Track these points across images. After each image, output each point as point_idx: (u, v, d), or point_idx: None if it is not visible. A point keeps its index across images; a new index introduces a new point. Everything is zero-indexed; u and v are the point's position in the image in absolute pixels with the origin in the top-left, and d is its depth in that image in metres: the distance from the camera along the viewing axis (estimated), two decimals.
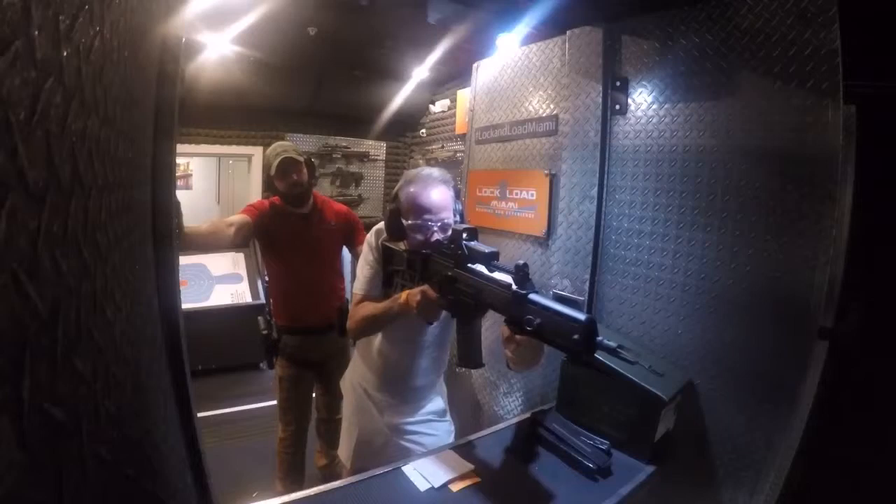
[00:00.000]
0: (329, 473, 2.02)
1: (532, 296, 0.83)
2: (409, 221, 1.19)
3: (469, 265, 1.01)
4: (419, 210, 1.18)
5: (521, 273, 0.85)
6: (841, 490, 1.22)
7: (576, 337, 0.73)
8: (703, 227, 1.32)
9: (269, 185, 1.93)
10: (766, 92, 1.18)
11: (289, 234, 1.90)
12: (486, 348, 1.11)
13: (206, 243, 1.79)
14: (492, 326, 1.12)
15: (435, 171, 1.25)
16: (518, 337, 0.87)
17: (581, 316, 0.74)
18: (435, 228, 1.17)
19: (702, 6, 1.30)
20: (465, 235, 1.04)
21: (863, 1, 1.09)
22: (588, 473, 1.12)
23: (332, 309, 1.99)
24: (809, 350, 1.11)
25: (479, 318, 1.05)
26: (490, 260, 0.99)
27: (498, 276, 0.94)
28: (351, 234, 2.05)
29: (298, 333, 1.96)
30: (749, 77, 1.21)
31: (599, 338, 0.74)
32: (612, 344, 0.74)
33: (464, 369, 2.11)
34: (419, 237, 1.18)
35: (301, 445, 2.03)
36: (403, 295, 1.15)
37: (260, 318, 2.10)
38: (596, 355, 1.24)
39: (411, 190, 1.20)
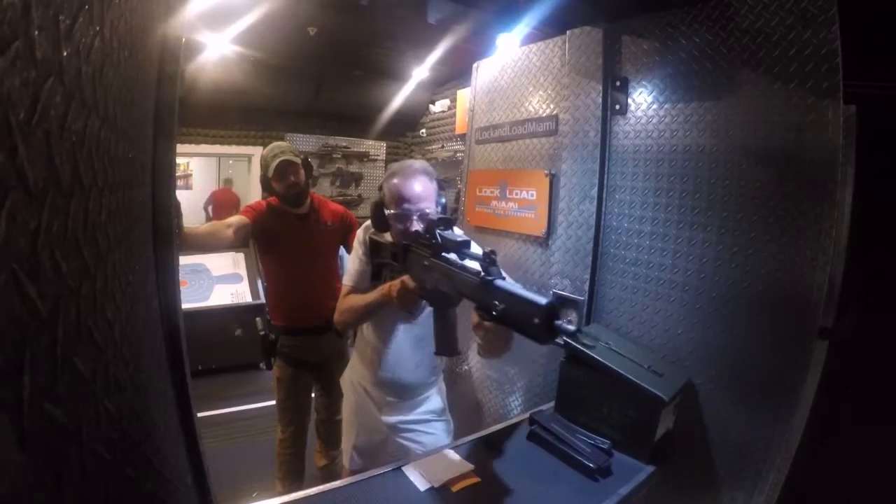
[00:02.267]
0: (329, 473, 2.02)
1: (497, 282, 0.85)
2: (391, 211, 1.22)
3: (443, 254, 1.03)
4: (400, 200, 1.21)
5: (488, 259, 0.87)
6: (841, 490, 1.22)
7: (536, 321, 0.74)
8: (703, 227, 1.32)
9: (266, 186, 1.93)
10: (766, 92, 1.18)
11: (286, 235, 1.90)
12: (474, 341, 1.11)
13: (206, 244, 1.79)
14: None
15: (417, 163, 1.29)
16: (486, 323, 0.88)
17: (542, 300, 0.75)
18: (414, 218, 1.20)
19: (702, 6, 1.30)
20: (441, 226, 1.06)
21: (863, 1, 1.09)
22: (588, 473, 1.12)
23: (330, 309, 1.99)
24: (809, 350, 1.11)
25: (454, 307, 1.07)
26: (461, 248, 1.00)
27: (468, 263, 0.97)
28: (348, 235, 2.05)
29: (296, 334, 1.96)
30: (749, 77, 1.21)
31: (559, 321, 0.75)
32: (571, 328, 0.75)
33: (464, 368, 2.12)
34: (400, 226, 1.22)
35: (300, 446, 2.03)
36: (386, 286, 1.19)
37: (258, 318, 2.10)
38: (591, 353, 1.25)
39: (394, 181, 1.23)
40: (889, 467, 1.18)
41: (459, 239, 1.02)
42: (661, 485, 1.20)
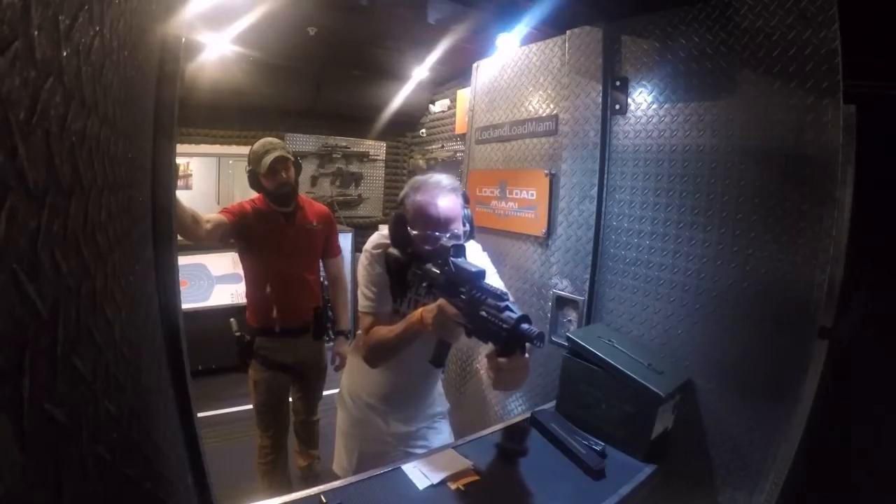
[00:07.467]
0: (309, 473, 2.00)
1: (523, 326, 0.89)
2: (417, 231, 1.15)
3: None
4: (427, 221, 1.14)
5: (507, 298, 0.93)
6: (841, 490, 1.22)
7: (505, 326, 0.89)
8: (703, 227, 1.32)
9: (254, 183, 1.87)
10: (766, 92, 1.18)
11: (272, 234, 1.86)
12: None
13: (185, 227, 1.63)
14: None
15: (444, 180, 1.20)
16: (500, 360, 0.89)
17: (514, 314, 0.89)
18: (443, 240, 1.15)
19: (702, 6, 1.30)
20: (451, 251, 1.03)
21: (863, 1, 1.09)
22: (586, 472, 1.12)
23: (309, 310, 1.96)
24: (809, 350, 1.11)
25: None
26: (477, 280, 0.98)
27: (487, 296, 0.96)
28: (330, 236, 2.04)
29: (274, 335, 1.91)
30: (749, 77, 1.21)
31: (525, 325, 0.87)
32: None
33: (475, 366, 2.12)
34: (429, 248, 1.14)
35: (282, 451, 2.00)
36: (417, 313, 1.11)
37: (232, 319, 2.04)
38: (590, 348, 1.28)
39: (418, 199, 1.16)
40: (890, 468, 1.18)
41: (474, 269, 0.98)
42: (661, 485, 1.20)
